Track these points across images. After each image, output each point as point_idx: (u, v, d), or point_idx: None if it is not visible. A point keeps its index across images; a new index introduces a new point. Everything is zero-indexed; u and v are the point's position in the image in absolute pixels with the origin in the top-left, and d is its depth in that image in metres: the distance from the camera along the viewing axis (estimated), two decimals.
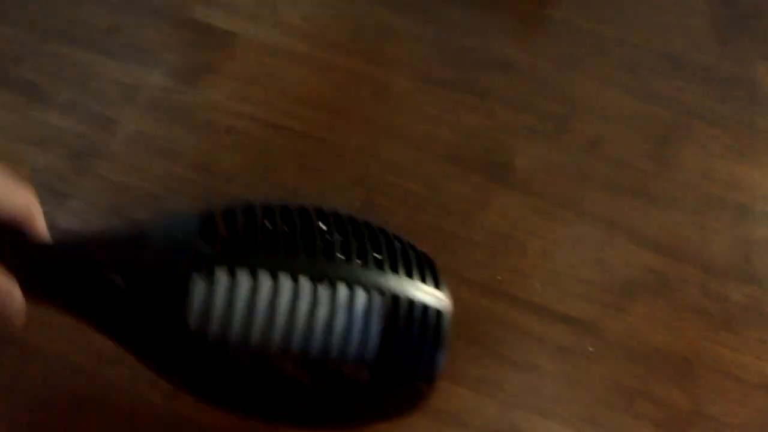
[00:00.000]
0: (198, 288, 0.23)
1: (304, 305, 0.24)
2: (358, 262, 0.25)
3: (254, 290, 0.23)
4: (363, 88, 0.51)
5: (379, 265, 0.25)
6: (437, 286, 0.27)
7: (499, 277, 0.44)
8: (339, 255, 0.25)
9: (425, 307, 0.26)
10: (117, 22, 0.53)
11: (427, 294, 0.26)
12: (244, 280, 0.23)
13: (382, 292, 0.25)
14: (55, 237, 0.25)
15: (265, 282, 0.23)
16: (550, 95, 0.52)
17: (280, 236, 0.25)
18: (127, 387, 0.39)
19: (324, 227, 0.26)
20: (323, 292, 0.24)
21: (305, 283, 0.24)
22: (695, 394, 0.41)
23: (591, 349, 0.42)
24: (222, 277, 0.23)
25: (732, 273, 0.45)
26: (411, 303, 0.25)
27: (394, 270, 0.26)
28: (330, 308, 0.24)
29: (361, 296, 0.25)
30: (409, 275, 0.26)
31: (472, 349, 0.41)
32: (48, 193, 0.45)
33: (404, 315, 0.25)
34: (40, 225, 0.25)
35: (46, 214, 0.45)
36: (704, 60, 0.55)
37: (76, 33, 0.52)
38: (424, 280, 0.27)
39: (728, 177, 0.50)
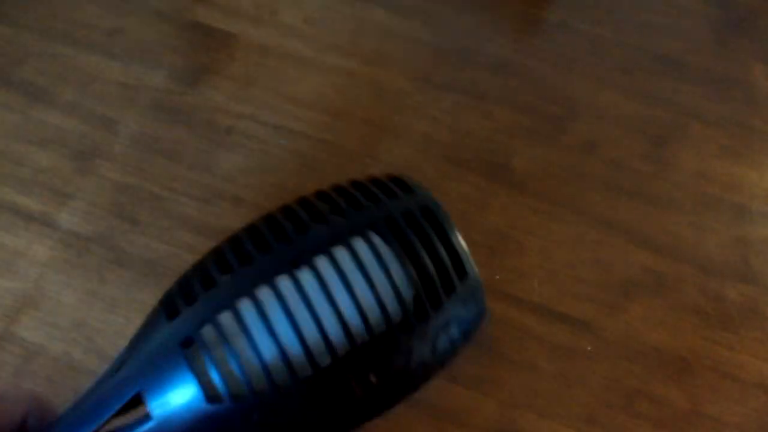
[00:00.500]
0: (198, 364, 0.21)
1: (295, 301, 0.22)
2: (320, 225, 0.23)
3: (242, 322, 0.21)
4: (362, 89, 0.52)
5: (341, 212, 0.23)
6: (409, 190, 0.25)
7: (497, 277, 0.44)
8: (294, 234, 0.22)
9: (407, 214, 0.23)
10: (118, 24, 0.53)
11: (403, 202, 0.24)
12: (228, 319, 0.22)
13: (360, 234, 0.22)
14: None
15: (247, 307, 0.22)
16: (548, 96, 0.53)
17: (234, 259, 0.22)
18: None
19: (268, 226, 0.23)
20: (305, 275, 0.22)
21: (284, 282, 0.22)
22: (693, 393, 0.41)
23: (589, 348, 0.42)
24: (209, 334, 0.21)
25: (729, 273, 0.46)
26: (391, 221, 0.23)
27: (357, 207, 0.23)
28: (322, 286, 0.22)
29: (343, 254, 0.22)
30: (373, 200, 0.24)
31: (471, 348, 0.41)
32: (50, 193, 0.46)
33: (396, 237, 0.23)
34: (47, 417, 0.23)
35: (47, 214, 0.46)
36: (701, 61, 0.55)
37: (78, 34, 0.52)
38: (392, 195, 0.24)
39: (725, 177, 0.50)
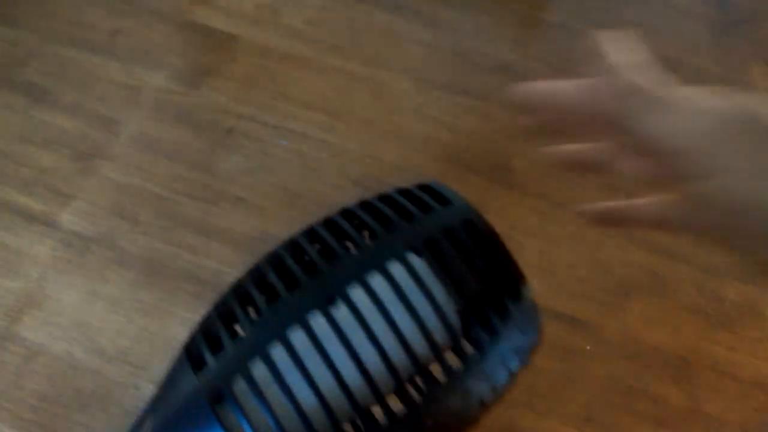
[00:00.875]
0: (231, 422, 0.19)
1: (331, 342, 0.19)
2: (352, 252, 0.20)
3: (275, 371, 0.19)
4: (363, 90, 0.52)
5: (372, 234, 0.21)
6: (445, 201, 0.22)
7: None
8: (324, 264, 0.20)
9: (447, 231, 0.20)
10: (120, 25, 0.53)
11: (441, 217, 0.21)
12: (260, 368, 0.19)
13: (398, 259, 0.20)
14: None
15: (280, 353, 0.19)
16: None
17: (260, 298, 0.20)
18: (130, 385, 0.39)
19: (293, 256, 0.21)
20: (341, 311, 0.19)
21: (318, 320, 0.19)
22: (693, 392, 0.41)
23: (589, 347, 0.42)
24: (240, 387, 0.19)
25: (729, 273, 0.46)
26: (431, 242, 0.20)
27: (390, 227, 0.21)
28: (360, 323, 0.19)
29: (380, 283, 0.20)
30: (407, 217, 0.21)
31: None
32: (52, 193, 0.46)
33: (438, 259, 0.20)
34: None
35: (49, 214, 0.46)
36: (699, 63, 0.55)
37: (80, 36, 0.53)
38: (429, 209, 0.21)
39: None
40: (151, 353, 0.40)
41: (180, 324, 0.41)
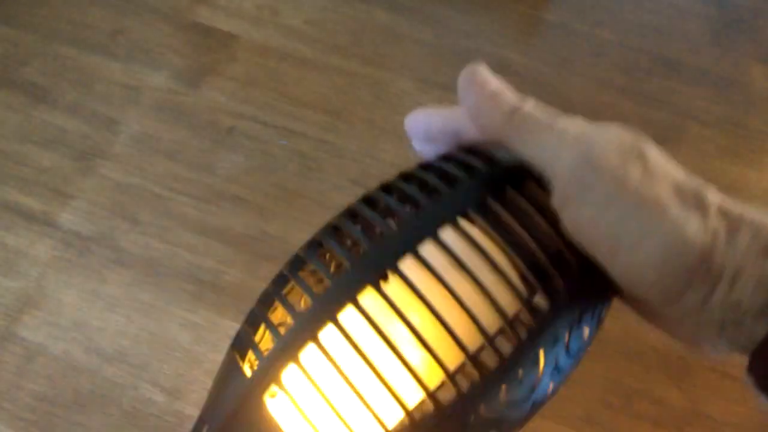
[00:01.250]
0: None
1: (388, 318, 0.18)
2: (398, 226, 0.19)
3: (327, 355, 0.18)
4: (363, 89, 0.52)
5: (418, 205, 0.19)
6: (489, 160, 0.20)
7: None
8: (370, 244, 0.18)
9: (501, 195, 0.18)
10: (121, 25, 0.53)
11: (491, 173, 0.19)
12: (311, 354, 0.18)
13: (451, 224, 0.18)
14: None
15: (332, 336, 0.18)
16: (547, 97, 0.53)
17: (308, 291, 0.19)
18: (128, 385, 0.39)
19: (334, 239, 0.20)
20: (393, 285, 0.18)
21: (369, 301, 0.18)
22: (692, 393, 0.41)
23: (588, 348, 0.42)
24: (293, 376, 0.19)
25: None
26: (486, 208, 0.18)
27: (452, 182, 0.19)
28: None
29: (431, 251, 0.18)
30: (451, 181, 0.19)
31: None
32: (52, 193, 0.46)
33: (494, 221, 0.18)
34: None
35: (49, 214, 0.46)
36: (699, 62, 0.55)
37: (81, 36, 0.53)
38: (476, 172, 0.19)
39: (724, 177, 0.50)
40: (151, 353, 0.40)
41: (179, 324, 0.41)
